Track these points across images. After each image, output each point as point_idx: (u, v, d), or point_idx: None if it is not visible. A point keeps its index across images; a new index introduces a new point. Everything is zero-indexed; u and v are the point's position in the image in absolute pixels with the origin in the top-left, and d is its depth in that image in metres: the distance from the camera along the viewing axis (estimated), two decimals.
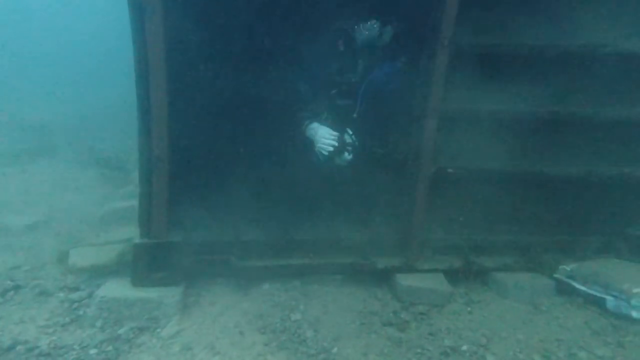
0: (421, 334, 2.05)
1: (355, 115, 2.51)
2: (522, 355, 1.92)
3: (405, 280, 2.36)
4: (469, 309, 2.28)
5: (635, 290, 2.09)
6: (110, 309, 2.01)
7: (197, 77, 2.62)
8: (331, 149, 2.41)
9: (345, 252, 2.49)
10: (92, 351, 1.82)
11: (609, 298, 2.17)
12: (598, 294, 2.22)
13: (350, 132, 2.48)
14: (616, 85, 2.46)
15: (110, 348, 1.84)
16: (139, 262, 2.13)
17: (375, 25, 2.44)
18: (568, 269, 2.43)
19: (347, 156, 2.45)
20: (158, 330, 1.97)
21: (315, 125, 2.49)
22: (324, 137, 2.42)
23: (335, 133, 2.43)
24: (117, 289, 2.10)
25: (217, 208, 2.59)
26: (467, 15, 2.19)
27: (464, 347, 1.96)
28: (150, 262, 2.13)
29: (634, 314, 2.07)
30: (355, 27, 2.45)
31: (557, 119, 2.44)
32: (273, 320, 2.08)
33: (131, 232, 2.38)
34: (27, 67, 9.47)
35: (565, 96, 2.47)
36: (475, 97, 2.38)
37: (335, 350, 1.91)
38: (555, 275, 2.45)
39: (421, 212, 2.45)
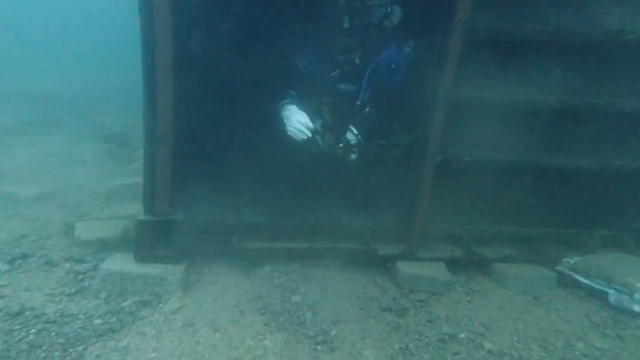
0: (419, 321, 2.07)
1: (358, 102, 2.34)
2: (520, 344, 1.93)
3: (406, 268, 2.37)
4: (468, 298, 2.29)
5: (638, 285, 2.08)
6: (114, 282, 2.05)
7: (201, 55, 2.55)
8: (304, 137, 2.25)
9: (346, 238, 2.49)
10: (97, 321, 1.86)
11: (611, 291, 2.16)
12: (600, 287, 2.21)
13: (355, 132, 2.31)
14: (637, 75, 2.37)
15: (114, 319, 1.88)
16: (142, 239, 2.15)
17: (385, 2, 2.29)
18: (571, 261, 2.42)
19: (352, 157, 2.31)
20: (160, 305, 2.01)
21: (293, 107, 2.30)
22: (299, 121, 2.24)
23: (310, 125, 2.25)
24: (121, 263, 2.14)
25: (219, 188, 2.59)
26: None
27: (462, 335, 1.97)
28: (153, 238, 2.15)
29: (636, 307, 2.07)
30: (364, 2, 2.27)
31: (571, 110, 2.36)
32: (273, 301, 2.11)
33: (135, 208, 2.39)
34: (34, 39, 9.41)
35: (582, 85, 2.38)
36: (487, 84, 2.32)
37: (333, 332, 1.93)
38: (558, 268, 2.44)
39: (425, 200, 2.42)
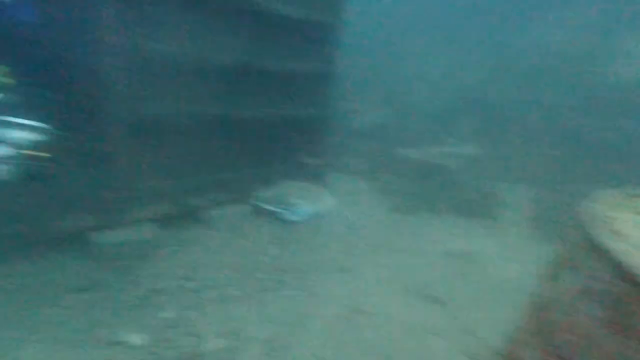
0: (120, 288, 1.99)
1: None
2: (219, 273, 2.22)
3: (105, 238, 2.20)
4: (178, 249, 2.41)
5: (294, 202, 2.88)
6: None
7: None
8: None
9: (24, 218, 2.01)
10: None
11: (282, 211, 2.87)
12: (277, 209, 2.90)
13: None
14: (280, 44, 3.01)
15: None
16: None
17: None
18: (261, 195, 3.01)
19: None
20: None
21: None
22: None
23: None
24: None
25: None
26: None
27: (164, 285, 2.06)
28: None
29: (294, 217, 2.85)
30: None
31: (240, 68, 2.75)
32: None
33: None
34: None
35: (249, 48, 2.78)
36: (168, 40, 2.31)
37: None
38: (253, 202, 2.98)
39: (121, 162, 2.27)
